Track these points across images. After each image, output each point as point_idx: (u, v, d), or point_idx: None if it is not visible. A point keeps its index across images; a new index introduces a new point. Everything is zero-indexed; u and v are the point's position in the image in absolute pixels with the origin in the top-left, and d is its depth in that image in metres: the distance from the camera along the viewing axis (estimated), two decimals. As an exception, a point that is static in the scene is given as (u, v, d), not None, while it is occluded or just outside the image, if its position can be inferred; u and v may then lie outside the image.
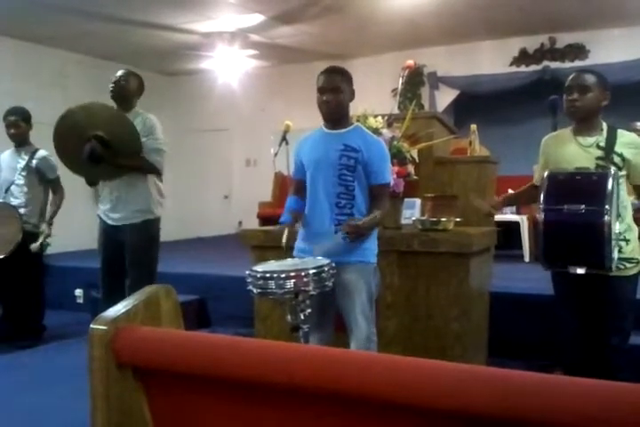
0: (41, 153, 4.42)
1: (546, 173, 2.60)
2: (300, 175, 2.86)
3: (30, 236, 4.32)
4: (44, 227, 4.38)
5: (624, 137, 2.65)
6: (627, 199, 2.68)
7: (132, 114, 3.50)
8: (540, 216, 2.52)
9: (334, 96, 2.66)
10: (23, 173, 4.37)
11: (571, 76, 2.70)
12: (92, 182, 3.62)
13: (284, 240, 2.66)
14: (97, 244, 3.70)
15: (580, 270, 2.47)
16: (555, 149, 2.78)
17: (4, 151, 4.56)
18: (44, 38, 7.44)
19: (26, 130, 4.45)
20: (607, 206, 2.41)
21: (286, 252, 2.69)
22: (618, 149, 2.61)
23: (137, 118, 3.48)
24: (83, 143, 3.27)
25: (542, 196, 2.54)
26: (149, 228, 3.56)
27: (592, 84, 2.62)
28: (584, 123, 2.69)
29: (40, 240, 4.33)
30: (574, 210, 2.45)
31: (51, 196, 4.56)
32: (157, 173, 3.54)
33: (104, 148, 3.28)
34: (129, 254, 3.50)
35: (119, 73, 3.54)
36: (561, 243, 2.52)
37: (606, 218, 2.41)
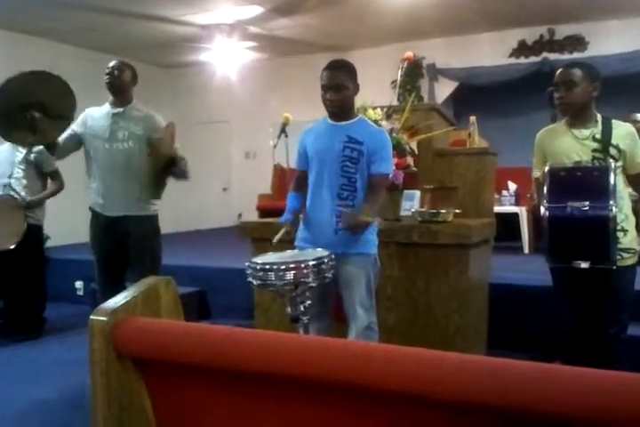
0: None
1: (546, 169, 2.60)
2: (303, 165, 2.85)
3: (32, 228, 4.32)
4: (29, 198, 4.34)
5: (619, 128, 2.65)
6: (624, 190, 2.69)
7: (132, 107, 3.46)
8: (545, 214, 2.52)
9: (338, 94, 2.63)
10: (22, 167, 4.35)
11: (557, 72, 2.70)
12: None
13: (277, 237, 2.65)
14: (89, 238, 3.56)
15: (585, 265, 2.48)
16: (550, 142, 2.77)
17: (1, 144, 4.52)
18: (38, 30, 7.38)
19: None
20: (611, 202, 2.42)
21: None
22: (614, 140, 2.61)
23: (139, 114, 3.44)
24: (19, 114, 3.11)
25: (545, 193, 2.54)
26: (152, 220, 3.51)
27: (578, 79, 2.61)
28: (578, 115, 2.69)
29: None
30: (578, 207, 2.45)
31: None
32: None
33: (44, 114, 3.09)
34: (133, 246, 3.42)
35: (111, 64, 3.46)
36: (566, 239, 2.53)
37: (611, 213, 2.41)
